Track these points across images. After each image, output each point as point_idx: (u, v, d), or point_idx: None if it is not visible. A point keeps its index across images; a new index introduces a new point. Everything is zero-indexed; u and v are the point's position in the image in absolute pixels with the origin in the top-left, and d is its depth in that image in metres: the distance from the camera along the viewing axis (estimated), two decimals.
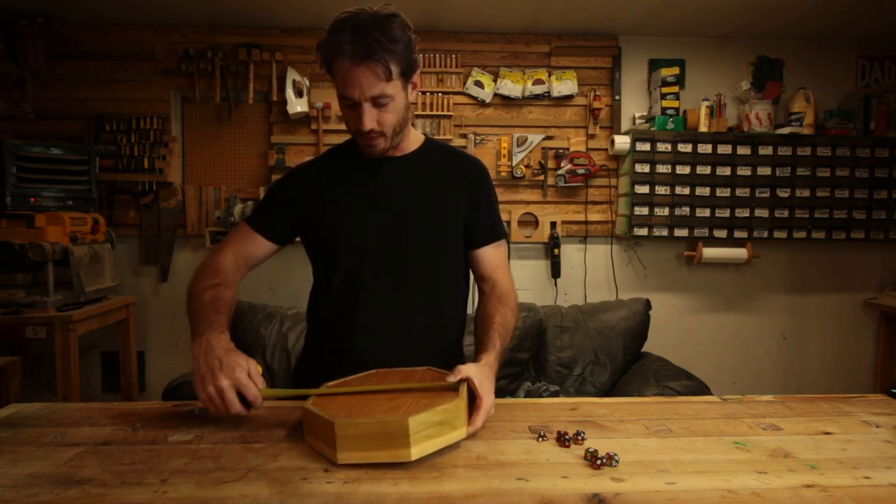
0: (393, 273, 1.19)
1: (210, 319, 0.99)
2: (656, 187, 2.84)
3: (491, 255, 1.26)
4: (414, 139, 1.26)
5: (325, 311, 1.24)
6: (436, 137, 2.89)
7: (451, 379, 0.93)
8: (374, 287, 1.18)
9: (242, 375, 0.89)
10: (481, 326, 1.14)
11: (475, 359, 1.05)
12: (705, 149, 2.84)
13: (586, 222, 3.03)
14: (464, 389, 0.91)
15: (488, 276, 1.25)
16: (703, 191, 2.86)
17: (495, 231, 1.28)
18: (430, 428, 0.81)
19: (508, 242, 2.97)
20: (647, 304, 2.71)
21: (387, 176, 1.21)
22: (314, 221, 1.22)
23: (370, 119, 1.08)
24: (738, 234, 2.89)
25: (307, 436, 0.87)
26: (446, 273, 1.24)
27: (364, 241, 1.18)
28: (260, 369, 0.94)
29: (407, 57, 1.08)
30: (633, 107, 3.04)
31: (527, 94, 2.94)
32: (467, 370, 0.93)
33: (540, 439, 0.90)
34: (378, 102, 1.08)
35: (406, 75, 1.10)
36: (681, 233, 2.87)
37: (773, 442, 0.90)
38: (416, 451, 0.79)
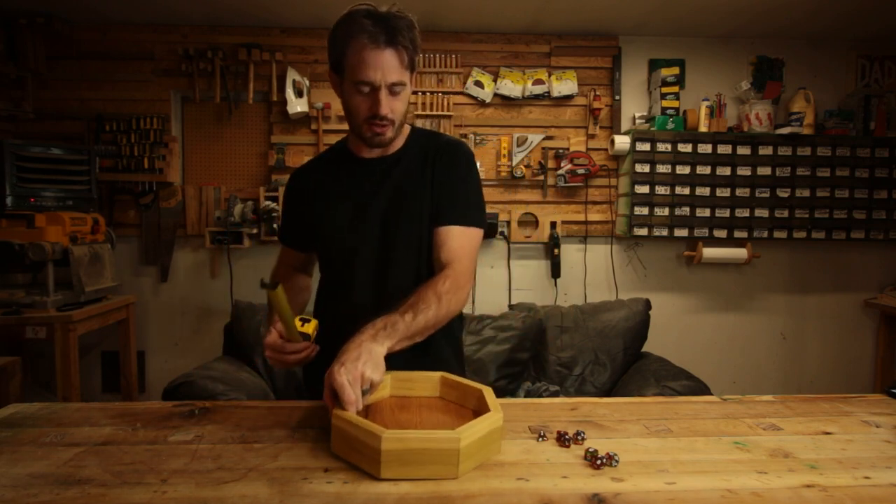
0: (374, 274, 1.20)
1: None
2: (656, 187, 2.84)
3: (445, 238, 1.14)
4: (402, 135, 1.25)
5: (323, 306, 1.29)
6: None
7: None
8: (359, 289, 1.20)
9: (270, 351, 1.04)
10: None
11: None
12: (705, 149, 2.84)
13: (586, 222, 3.03)
14: (492, 398, 0.90)
15: (436, 259, 1.14)
16: (703, 191, 2.86)
17: (455, 214, 1.15)
18: (476, 444, 0.79)
19: (508, 242, 2.99)
20: (647, 304, 2.71)
21: (365, 179, 1.21)
22: (310, 223, 1.27)
23: (387, 105, 1.09)
24: (738, 234, 2.89)
25: (337, 445, 0.83)
26: (420, 271, 1.20)
27: (346, 245, 1.21)
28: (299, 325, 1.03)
29: (415, 53, 1.11)
30: (633, 107, 3.04)
31: (527, 94, 2.94)
32: (330, 372, 0.86)
33: (540, 439, 0.90)
34: (394, 90, 1.09)
35: (412, 71, 1.13)
36: (681, 233, 2.87)
37: (773, 442, 0.90)
38: (463, 469, 0.77)
